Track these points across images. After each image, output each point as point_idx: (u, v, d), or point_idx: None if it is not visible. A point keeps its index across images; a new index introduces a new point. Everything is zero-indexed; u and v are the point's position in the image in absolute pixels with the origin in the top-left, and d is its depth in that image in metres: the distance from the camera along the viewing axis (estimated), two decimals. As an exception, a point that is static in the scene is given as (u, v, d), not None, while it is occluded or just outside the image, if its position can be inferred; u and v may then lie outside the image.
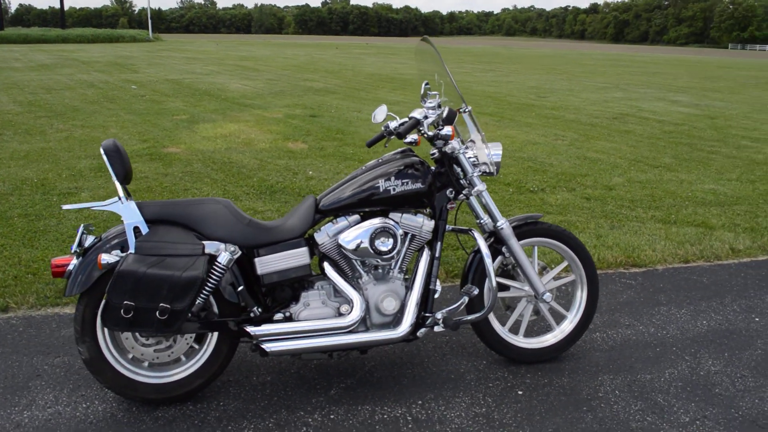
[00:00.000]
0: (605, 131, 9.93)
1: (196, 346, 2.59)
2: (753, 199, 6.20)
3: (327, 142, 8.27)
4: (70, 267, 2.42)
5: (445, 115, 2.72)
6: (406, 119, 2.84)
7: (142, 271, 2.26)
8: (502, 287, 2.95)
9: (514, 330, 3.03)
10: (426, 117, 2.66)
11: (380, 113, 2.82)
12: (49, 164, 6.57)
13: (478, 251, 2.90)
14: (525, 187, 6.30)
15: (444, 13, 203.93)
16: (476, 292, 2.78)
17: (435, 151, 2.81)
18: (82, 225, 2.49)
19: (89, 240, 2.47)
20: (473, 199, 2.84)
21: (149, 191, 5.68)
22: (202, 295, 2.41)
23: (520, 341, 2.99)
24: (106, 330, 2.49)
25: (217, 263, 2.42)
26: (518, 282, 2.97)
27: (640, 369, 3.01)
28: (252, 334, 2.46)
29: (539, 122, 10.71)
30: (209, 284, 2.41)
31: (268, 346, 2.46)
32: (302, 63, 23.93)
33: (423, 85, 2.78)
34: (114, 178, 2.44)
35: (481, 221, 2.88)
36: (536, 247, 2.99)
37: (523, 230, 2.90)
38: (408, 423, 2.52)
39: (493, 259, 2.88)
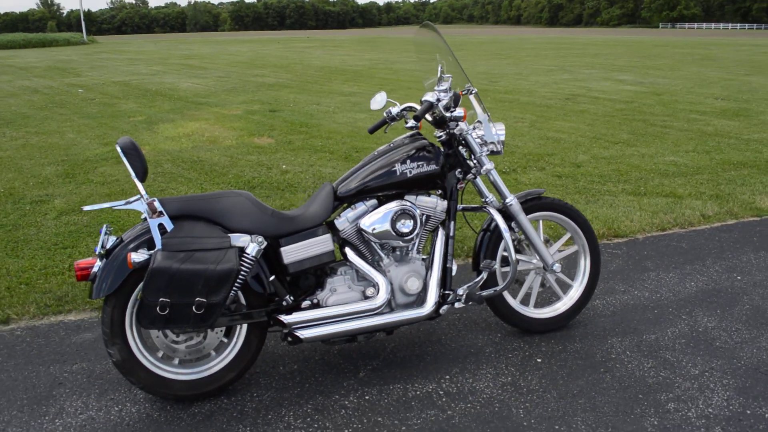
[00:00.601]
0: (561, 112, 10.22)
1: (225, 340, 2.59)
2: (711, 169, 6.52)
3: (293, 135, 8.23)
4: (95, 269, 2.39)
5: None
6: (408, 105, 2.90)
7: (176, 267, 2.25)
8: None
9: (524, 302, 3.14)
10: (439, 100, 2.72)
11: (380, 100, 2.87)
12: (12, 173, 6.34)
13: (487, 229, 3.00)
14: (497, 168, 6.45)
15: (381, 3, 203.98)
16: (496, 266, 2.87)
17: (442, 133, 2.88)
18: (105, 226, 2.45)
19: (111, 241, 2.43)
20: (478, 179, 2.93)
21: (124, 194, 5.56)
22: (234, 288, 2.41)
23: (533, 312, 3.11)
24: (135, 329, 2.46)
25: (245, 254, 2.43)
26: (526, 255, 3.08)
27: (644, 330, 3.17)
28: (285, 322, 2.48)
29: (496, 106, 10.92)
30: (241, 276, 2.42)
31: (302, 333, 2.49)
32: (248, 59, 23.59)
33: (438, 68, 2.84)
34: (133, 176, 2.41)
35: (486, 199, 2.97)
36: (541, 221, 3.11)
37: (528, 205, 3.00)
38: (441, 397, 2.59)
39: (500, 234, 2.98)
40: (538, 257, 3.01)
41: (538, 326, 3.11)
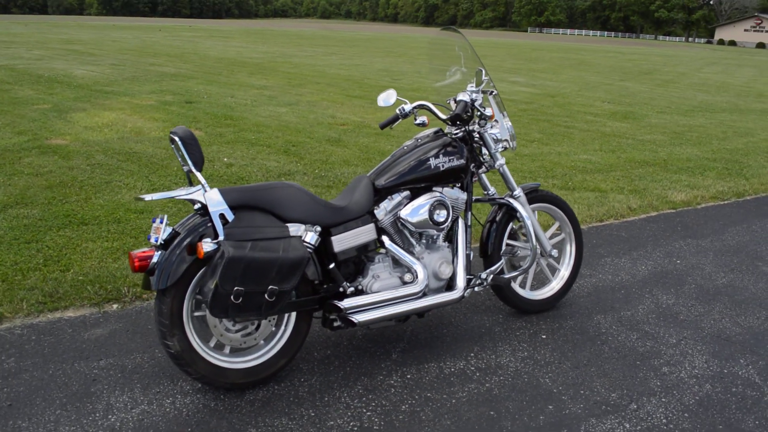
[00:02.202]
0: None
1: (273, 329, 2.66)
2: (621, 166, 7.28)
3: (221, 128, 8.10)
4: (155, 260, 2.38)
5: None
6: (419, 103, 3.08)
7: (251, 256, 2.31)
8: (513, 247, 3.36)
9: (520, 285, 3.46)
10: (473, 100, 2.95)
11: (390, 97, 3.05)
12: (-76, 164, 5.76)
13: (493, 220, 3.28)
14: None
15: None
16: (520, 253, 3.16)
17: (458, 131, 3.11)
18: (165, 216, 2.43)
19: (167, 232, 2.43)
20: (483, 174, 3.20)
21: (64, 186, 5.27)
22: (297, 276, 2.50)
23: (530, 294, 3.44)
24: (191, 320, 2.48)
25: (305, 243, 2.53)
26: (522, 242, 3.40)
27: (620, 308, 3.60)
28: (342, 307, 2.60)
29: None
30: (304, 264, 2.51)
31: (356, 318, 2.62)
32: (137, 47, 22.38)
33: (477, 71, 3.06)
34: (191, 166, 2.43)
35: (488, 192, 3.26)
36: (536, 211, 3.44)
37: (529, 197, 3.32)
38: (475, 372, 2.84)
39: (507, 224, 3.28)
40: (535, 244, 3.33)
41: (535, 307, 3.44)
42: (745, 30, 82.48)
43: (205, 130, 7.92)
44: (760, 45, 76.89)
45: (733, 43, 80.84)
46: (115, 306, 3.32)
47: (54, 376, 2.67)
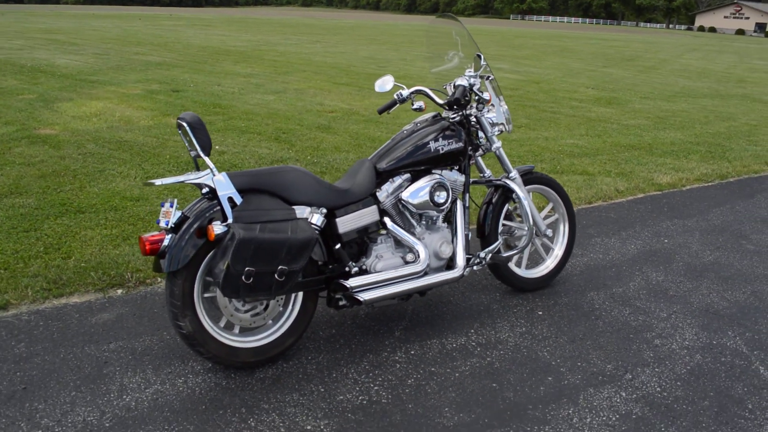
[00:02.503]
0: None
1: (281, 308, 2.73)
2: (607, 150, 7.40)
3: (211, 116, 8.10)
4: (166, 243, 2.43)
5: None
6: (417, 88, 3.15)
7: (261, 237, 2.37)
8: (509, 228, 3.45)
9: (516, 264, 3.56)
10: (471, 85, 3.03)
11: (387, 83, 3.11)
12: None
13: (490, 202, 3.37)
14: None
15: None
16: (517, 233, 3.25)
17: (455, 115, 3.18)
18: (174, 200, 2.49)
19: (176, 216, 2.48)
20: (479, 157, 3.29)
21: (57, 175, 5.27)
22: (304, 256, 2.57)
23: (526, 273, 3.54)
24: (201, 301, 2.54)
25: (312, 224, 2.59)
26: (517, 222, 3.50)
27: (611, 285, 3.72)
28: (348, 286, 2.68)
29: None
30: (310, 245, 2.58)
31: (362, 296, 2.70)
32: (119, 36, 22.12)
33: (475, 57, 3.13)
34: (200, 151, 2.48)
35: (484, 174, 3.35)
36: (530, 193, 3.53)
37: (524, 179, 3.41)
38: (476, 348, 2.93)
39: (503, 205, 3.37)
40: (532, 224, 3.43)
41: (530, 285, 3.55)
42: (725, 17, 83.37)
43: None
44: (740, 31, 77.79)
45: (713, 29, 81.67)
46: (119, 291, 3.37)
47: (65, 359, 2.72)
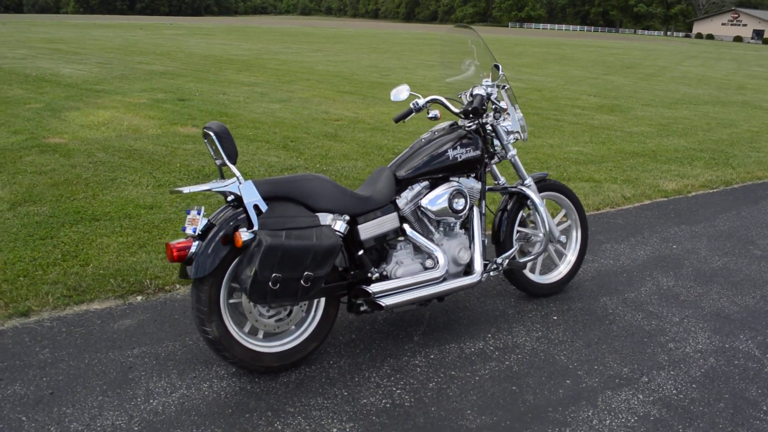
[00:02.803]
0: (463, 105, 10.94)
1: (303, 314, 2.78)
2: (612, 157, 7.47)
3: (218, 125, 8.14)
4: (193, 249, 2.48)
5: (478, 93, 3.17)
6: (432, 97, 3.20)
7: (287, 244, 2.42)
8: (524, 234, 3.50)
9: (530, 270, 3.61)
10: (489, 94, 3.09)
11: (403, 92, 3.17)
12: (-73, 164, 5.77)
13: (504, 209, 3.42)
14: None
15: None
16: (532, 239, 3.30)
17: (471, 123, 3.23)
18: (202, 207, 2.53)
19: (203, 223, 2.52)
20: (493, 165, 3.35)
21: (68, 184, 5.32)
22: (327, 262, 2.61)
23: (540, 278, 3.59)
24: (227, 307, 2.59)
25: (336, 231, 2.64)
26: (530, 229, 3.55)
27: (623, 290, 3.77)
28: (371, 292, 2.72)
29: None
30: (333, 251, 2.63)
31: (383, 301, 2.74)
32: (121, 45, 22.24)
33: (492, 67, 3.19)
34: (226, 159, 2.53)
35: (499, 182, 3.41)
36: (544, 200, 3.58)
37: (538, 186, 3.47)
38: (494, 352, 2.98)
39: (518, 212, 3.42)
40: (547, 230, 3.48)
41: (544, 290, 3.60)
42: (723, 24, 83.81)
43: (202, 127, 7.97)
44: (737, 38, 78.19)
45: (711, 36, 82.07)
46: (139, 298, 3.41)
47: (90, 364, 2.76)
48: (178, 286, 3.55)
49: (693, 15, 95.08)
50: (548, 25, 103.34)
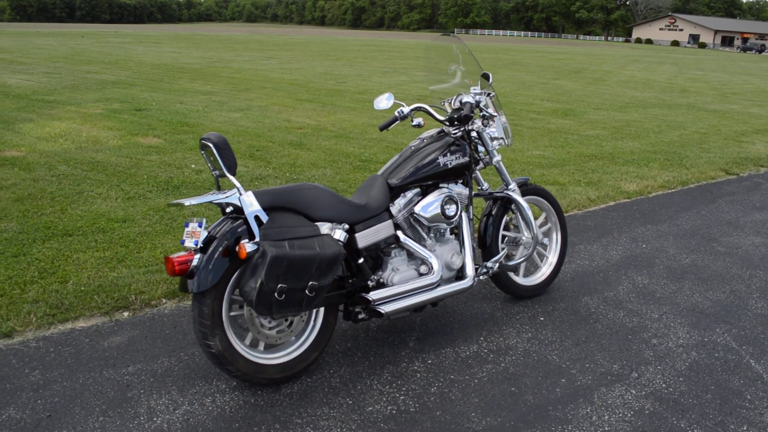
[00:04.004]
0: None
1: (303, 324, 2.78)
2: (573, 161, 7.69)
3: (180, 135, 8.03)
4: (195, 263, 2.46)
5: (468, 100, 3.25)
6: (417, 105, 3.25)
7: (292, 254, 2.43)
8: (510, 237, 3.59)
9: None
10: (478, 102, 3.16)
11: (387, 100, 3.22)
12: None
13: (489, 214, 3.50)
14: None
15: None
16: (522, 242, 3.39)
17: (457, 130, 3.30)
18: (204, 219, 2.51)
19: (203, 235, 2.50)
20: (477, 171, 3.43)
21: (33, 198, 5.15)
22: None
23: (524, 281, 3.68)
24: (229, 320, 2.57)
25: (337, 240, 2.66)
26: (514, 232, 3.64)
27: (602, 289, 3.90)
28: (371, 299, 2.75)
29: (359, 106, 11.49)
30: (334, 260, 2.64)
31: (383, 308, 2.77)
32: (67, 54, 21.55)
33: (481, 75, 3.25)
34: (225, 171, 2.52)
35: (483, 187, 3.49)
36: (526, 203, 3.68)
37: (521, 190, 3.56)
38: (488, 354, 3.04)
39: (503, 216, 3.51)
40: (536, 233, 3.57)
41: (527, 292, 3.69)
42: (660, 29, 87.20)
43: (164, 138, 7.84)
44: (675, 43, 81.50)
45: (649, 41, 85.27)
46: (125, 314, 3.34)
47: (86, 384, 2.69)
48: (164, 300, 3.49)
49: (632, 20, 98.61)
50: (494, 31, 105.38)
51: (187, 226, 2.52)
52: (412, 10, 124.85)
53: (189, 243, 2.49)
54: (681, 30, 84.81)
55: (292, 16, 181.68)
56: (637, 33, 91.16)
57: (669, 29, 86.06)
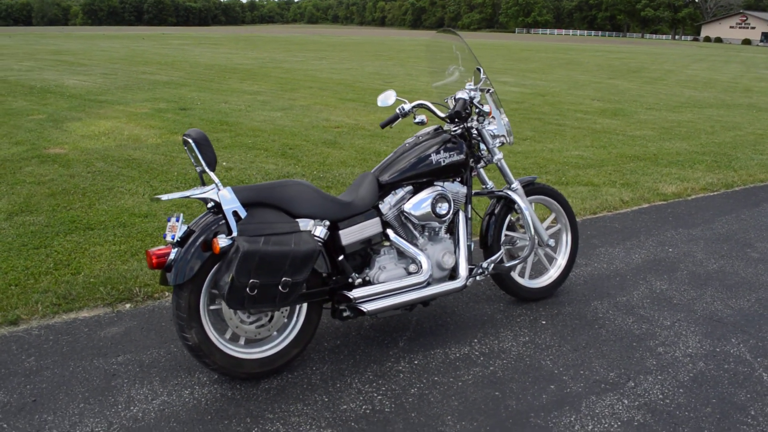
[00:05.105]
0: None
1: (285, 320, 2.77)
2: (612, 161, 7.43)
3: (218, 134, 8.20)
4: (172, 256, 2.48)
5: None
6: (419, 102, 3.20)
7: (264, 249, 2.42)
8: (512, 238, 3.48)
9: (519, 275, 3.59)
10: (472, 98, 3.08)
11: (390, 97, 3.17)
12: (-73, 175, 5.83)
13: (492, 213, 3.40)
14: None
15: (244, 1, 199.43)
16: (519, 243, 3.28)
17: (457, 128, 3.22)
18: (181, 215, 2.54)
19: (182, 229, 2.53)
20: (481, 169, 3.33)
21: (66, 194, 5.35)
22: (307, 268, 2.61)
23: (529, 283, 3.56)
24: (207, 313, 2.59)
25: (315, 237, 2.64)
26: (519, 233, 3.53)
27: (615, 294, 3.73)
28: (352, 297, 2.71)
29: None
30: (312, 257, 2.62)
31: (365, 307, 2.73)
32: (127, 56, 22.43)
33: (475, 70, 3.18)
34: (205, 167, 2.54)
35: (487, 186, 3.40)
36: (533, 204, 3.56)
37: (526, 190, 3.45)
38: (479, 357, 2.96)
39: (506, 216, 3.40)
40: (534, 234, 3.45)
41: (534, 295, 3.57)
42: (731, 27, 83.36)
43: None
44: (746, 41, 77.73)
45: (719, 40, 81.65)
46: (127, 306, 3.42)
47: (75, 372, 2.77)
48: (167, 293, 3.55)
49: (701, 18, 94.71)
50: (555, 31, 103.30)
51: (169, 220, 2.56)
52: (472, 10, 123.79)
53: (169, 237, 2.52)
54: (753, 28, 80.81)
55: (352, 17, 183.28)
56: (706, 31, 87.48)
57: (740, 27, 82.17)
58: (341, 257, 2.76)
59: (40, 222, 4.64)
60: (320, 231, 2.67)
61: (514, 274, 3.49)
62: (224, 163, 6.61)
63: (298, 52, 27.62)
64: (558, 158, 7.44)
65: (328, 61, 22.41)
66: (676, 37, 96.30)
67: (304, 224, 2.67)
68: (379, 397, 2.62)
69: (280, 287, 2.47)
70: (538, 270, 3.78)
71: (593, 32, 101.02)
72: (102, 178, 5.89)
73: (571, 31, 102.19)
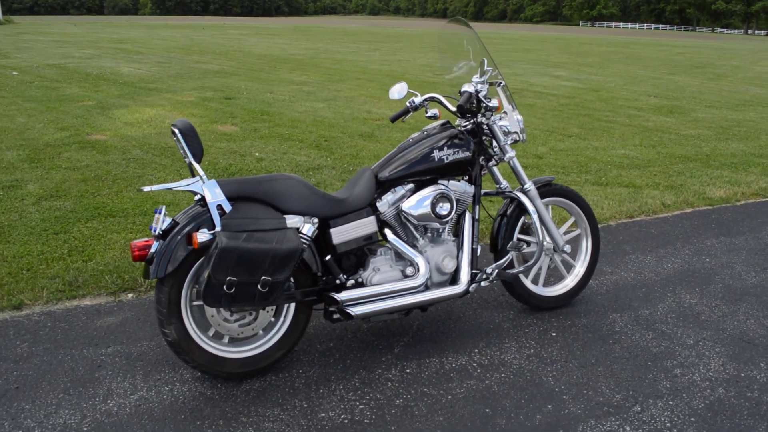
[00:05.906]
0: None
1: (273, 319, 2.68)
2: (660, 162, 7.03)
3: (257, 124, 8.21)
4: (153, 250, 2.42)
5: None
6: (430, 95, 3.05)
7: (243, 246, 2.33)
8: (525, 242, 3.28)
9: (533, 282, 3.38)
10: (478, 91, 2.90)
11: (401, 90, 3.02)
12: (-30, 158, 6.04)
13: (504, 214, 3.21)
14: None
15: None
16: (526, 248, 3.09)
17: (467, 123, 3.05)
18: (163, 207, 2.48)
19: (166, 222, 2.47)
20: (494, 167, 3.14)
21: (98, 180, 5.44)
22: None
23: (543, 290, 3.36)
24: (189, 309, 2.52)
25: (302, 235, 2.53)
26: (534, 237, 3.32)
27: (638, 306, 3.48)
28: (339, 299, 2.60)
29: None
30: (298, 255, 2.52)
31: (353, 310, 2.61)
32: (184, 45, 22.93)
33: (480, 61, 3.01)
34: (191, 158, 2.46)
35: (500, 186, 3.20)
36: (550, 206, 3.35)
37: (542, 191, 3.24)
38: (476, 368, 2.79)
39: (518, 218, 3.21)
40: (549, 239, 3.24)
41: (548, 303, 3.36)
42: (811, 21, 78.51)
43: (241, 126, 8.04)
44: (828, 36, 73.06)
45: (798, 34, 77.06)
46: (130, 295, 3.41)
47: (62, 361, 2.76)
48: (169, 284, 3.52)
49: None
50: (621, 24, 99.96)
51: (156, 212, 2.50)
52: (535, 2, 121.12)
53: (153, 229, 2.46)
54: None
55: (414, 9, 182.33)
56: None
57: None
58: (328, 257, 2.64)
59: (66, 207, 4.71)
60: (308, 229, 2.55)
61: (526, 281, 3.30)
62: (257, 154, 6.59)
63: (352, 43, 27.61)
64: (602, 157, 7.11)
65: (380, 53, 22.29)
66: (749, 32, 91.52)
67: (293, 221, 2.56)
68: (361, 406, 2.49)
69: (259, 286, 2.38)
70: (557, 277, 3.57)
71: (661, 26, 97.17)
72: (135, 166, 5.96)
73: (637, 25, 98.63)
